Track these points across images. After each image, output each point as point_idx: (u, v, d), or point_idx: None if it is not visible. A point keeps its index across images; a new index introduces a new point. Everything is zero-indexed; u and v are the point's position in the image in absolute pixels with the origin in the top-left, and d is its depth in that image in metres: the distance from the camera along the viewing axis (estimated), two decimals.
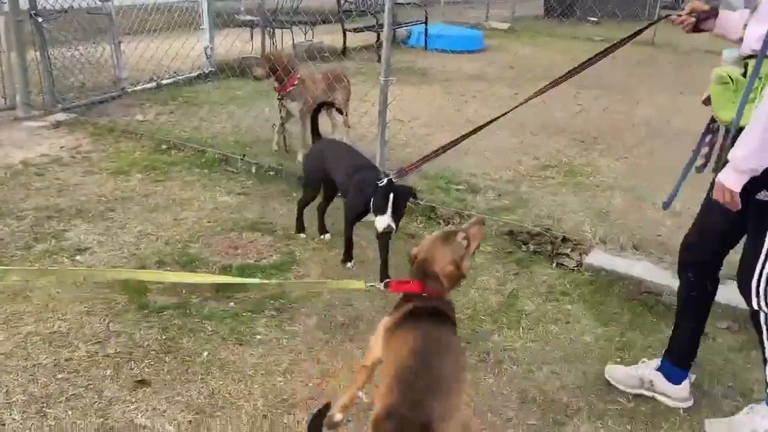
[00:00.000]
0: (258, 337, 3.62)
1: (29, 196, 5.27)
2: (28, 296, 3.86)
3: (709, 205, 2.90)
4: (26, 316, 3.67)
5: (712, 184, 2.73)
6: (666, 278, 4.22)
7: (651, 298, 4.11)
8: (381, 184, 3.86)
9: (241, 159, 6.17)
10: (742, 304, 2.94)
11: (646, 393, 3.22)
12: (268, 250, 4.63)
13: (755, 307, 2.81)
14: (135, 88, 8.53)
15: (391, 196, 3.78)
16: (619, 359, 3.55)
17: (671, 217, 5.35)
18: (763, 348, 2.85)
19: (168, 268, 4.27)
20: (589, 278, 4.33)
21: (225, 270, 4.29)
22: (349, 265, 4.43)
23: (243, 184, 5.79)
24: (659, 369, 3.21)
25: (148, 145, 6.64)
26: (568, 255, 4.55)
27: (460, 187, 5.87)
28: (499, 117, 3.57)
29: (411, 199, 4.09)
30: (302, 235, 4.80)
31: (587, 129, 7.81)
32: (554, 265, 4.51)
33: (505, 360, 3.52)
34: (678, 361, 3.20)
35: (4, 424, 2.86)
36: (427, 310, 2.40)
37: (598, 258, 4.46)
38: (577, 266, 4.44)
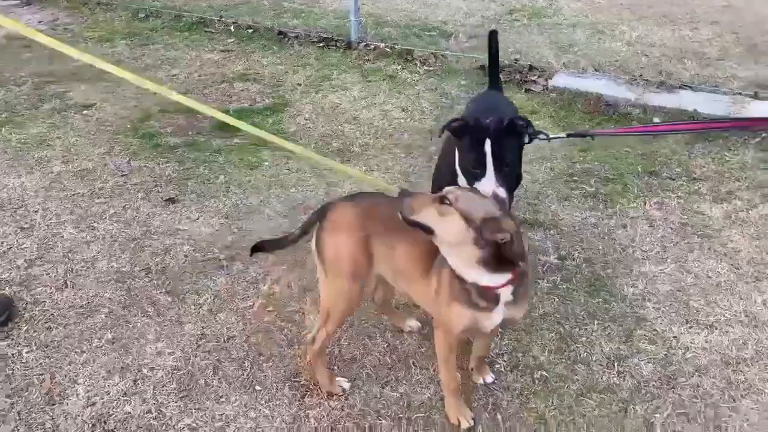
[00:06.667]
0: (266, 163, 4.07)
1: (23, 65, 5.50)
2: (50, 144, 4.23)
3: None
4: (53, 160, 4.06)
5: None
6: (622, 92, 4.73)
7: (609, 109, 4.61)
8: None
9: (219, 20, 6.38)
10: None
11: None
12: (260, 96, 5.00)
13: None
14: None
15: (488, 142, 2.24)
16: (581, 158, 4.09)
17: (627, 45, 5.81)
18: None
19: (173, 116, 4.64)
20: (554, 98, 4.81)
21: (224, 113, 4.66)
22: None
23: (224, 43, 6.04)
24: None
25: (125, 14, 6.77)
26: (534, 81, 5.00)
27: (432, 33, 6.19)
28: None
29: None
30: None
31: None
32: (523, 90, 4.96)
33: None
34: None
35: (63, 237, 3.33)
36: None
37: (561, 80, 4.93)
38: (543, 89, 4.91)
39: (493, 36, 3.16)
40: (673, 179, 3.86)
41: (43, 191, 3.72)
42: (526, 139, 2.41)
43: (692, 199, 3.65)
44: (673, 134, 4.22)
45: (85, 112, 4.70)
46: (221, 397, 2.42)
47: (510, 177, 2.32)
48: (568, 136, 2.78)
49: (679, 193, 3.71)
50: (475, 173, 2.27)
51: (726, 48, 5.77)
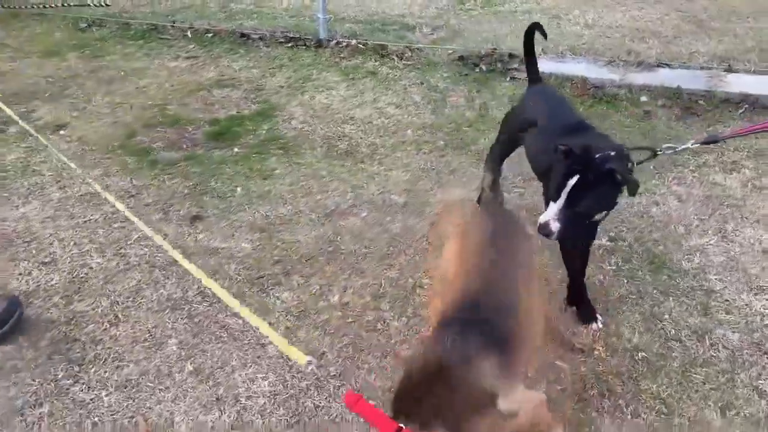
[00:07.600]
0: (277, 171, 3.92)
1: None
2: (36, 170, 3.92)
3: None
4: (47, 186, 3.76)
5: None
6: (605, 74, 4.86)
7: (597, 91, 4.74)
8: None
9: (172, 26, 6.10)
10: None
11: None
12: (244, 102, 4.81)
13: None
14: None
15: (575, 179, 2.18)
16: None
17: (587, 28, 6.00)
18: None
19: (160, 130, 4.39)
20: None
21: (215, 123, 4.47)
22: None
23: (185, 49, 5.78)
24: None
25: (65, 25, 6.36)
26: (517, 69, 5.06)
27: (394, 26, 6.16)
28: None
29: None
30: None
31: None
32: (508, 79, 5.02)
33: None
34: None
35: (91, 267, 3.08)
36: None
37: (544, 65, 4.95)
38: None
39: (536, 27, 3.15)
40: (679, 154, 4.01)
41: (50, 221, 3.44)
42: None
43: (704, 171, 3.81)
44: None
45: (61, 132, 4.37)
46: (336, 417, 2.32)
47: (578, 218, 2.27)
48: (700, 144, 2.62)
49: (691, 167, 3.86)
50: (551, 196, 2.26)
51: (678, 26, 6.06)
